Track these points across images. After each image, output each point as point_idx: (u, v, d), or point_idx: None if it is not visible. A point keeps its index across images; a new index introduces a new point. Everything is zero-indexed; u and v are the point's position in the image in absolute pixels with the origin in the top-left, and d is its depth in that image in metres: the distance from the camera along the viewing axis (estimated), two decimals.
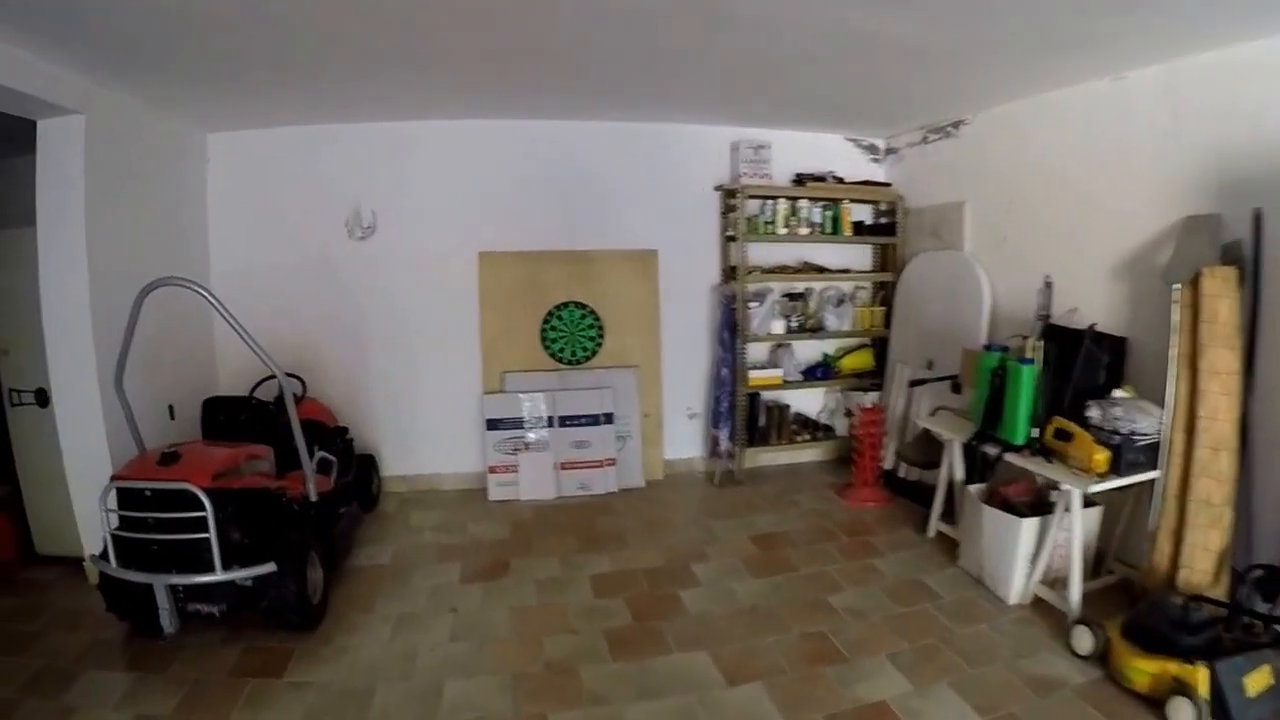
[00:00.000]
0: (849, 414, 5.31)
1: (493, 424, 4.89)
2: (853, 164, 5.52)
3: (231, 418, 4.14)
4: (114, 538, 3.04)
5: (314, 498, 3.57)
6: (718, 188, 5.23)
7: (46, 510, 4.18)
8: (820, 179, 5.27)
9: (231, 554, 3.05)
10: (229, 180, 4.88)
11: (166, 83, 3.76)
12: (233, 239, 4.89)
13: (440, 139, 4.92)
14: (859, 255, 5.55)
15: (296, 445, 3.47)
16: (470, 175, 4.97)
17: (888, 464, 4.95)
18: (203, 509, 2.93)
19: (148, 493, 3.00)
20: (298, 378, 4.47)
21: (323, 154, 4.89)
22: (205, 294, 3.18)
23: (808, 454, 5.43)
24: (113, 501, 3.08)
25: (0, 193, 4.16)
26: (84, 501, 3.59)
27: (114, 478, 3.12)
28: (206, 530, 2.94)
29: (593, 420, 4.91)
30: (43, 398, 3.95)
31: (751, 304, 5.04)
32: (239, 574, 3.01)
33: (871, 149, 5.60)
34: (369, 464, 4.83)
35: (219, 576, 2.97)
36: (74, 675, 2.99)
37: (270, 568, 3.04)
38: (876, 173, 5.58)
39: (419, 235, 4.97)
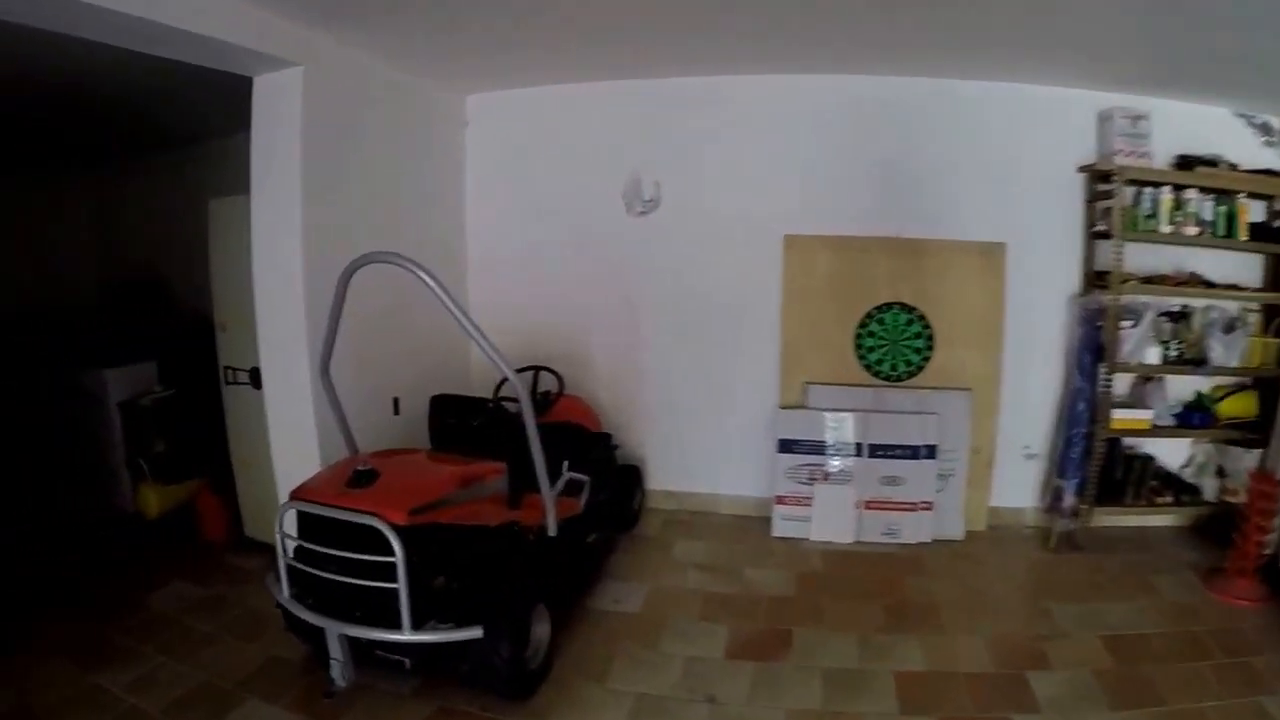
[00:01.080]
0: (1220, 474, 4.20)
1: (787, 445, 4.03)
2: (1239, 146, 4.26)
3: (462, 422, 3.40)
4: (288, 565, 2.60)
5: (552, 532, 2.89)
6: (1083, 168, 4.10)
7: (256, 494, 3.94)
8: (1210, 163, 4.05)
9: (430, 606, 2.48)
10: (487, 147, 4.33)
11: (408, 34, 3.28)
12: (491, 212, 4.34)
13: (739, 97, 4.07)
14: (1247, 267, 4.33)
15: (535, 468, 2.78)
16: (776, 141, 4.10)
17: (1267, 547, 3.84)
18: (392, 553, 2.33)
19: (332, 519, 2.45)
20: (554, 372, 3.78)
21: (598, 116, 4.22)
22: (420, 272, 2.48)
23: (1160, 518, 4.34)
24: (291, 522, 2.60)
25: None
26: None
27: (293, 495, 2.59)
28: (395, 579, 2.35)
29: (910, 452, 3.98)
30: (257, 378, 3.62)
31: (1124, 322, 3.95)
32: (435, 636, 2.43)
33: (1265, 129, 4.32)
34: (632, 477, 4.10)
35: (406, 637, 2.39)
36: (233, 701, 2.68)
37: (476, 633, 2.43)
38: (1270, 159, 4.31)
39: (710, 212, 4.16)
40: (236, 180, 3.48)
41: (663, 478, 4.36)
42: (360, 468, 2.59)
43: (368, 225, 3.55)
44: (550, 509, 2.89)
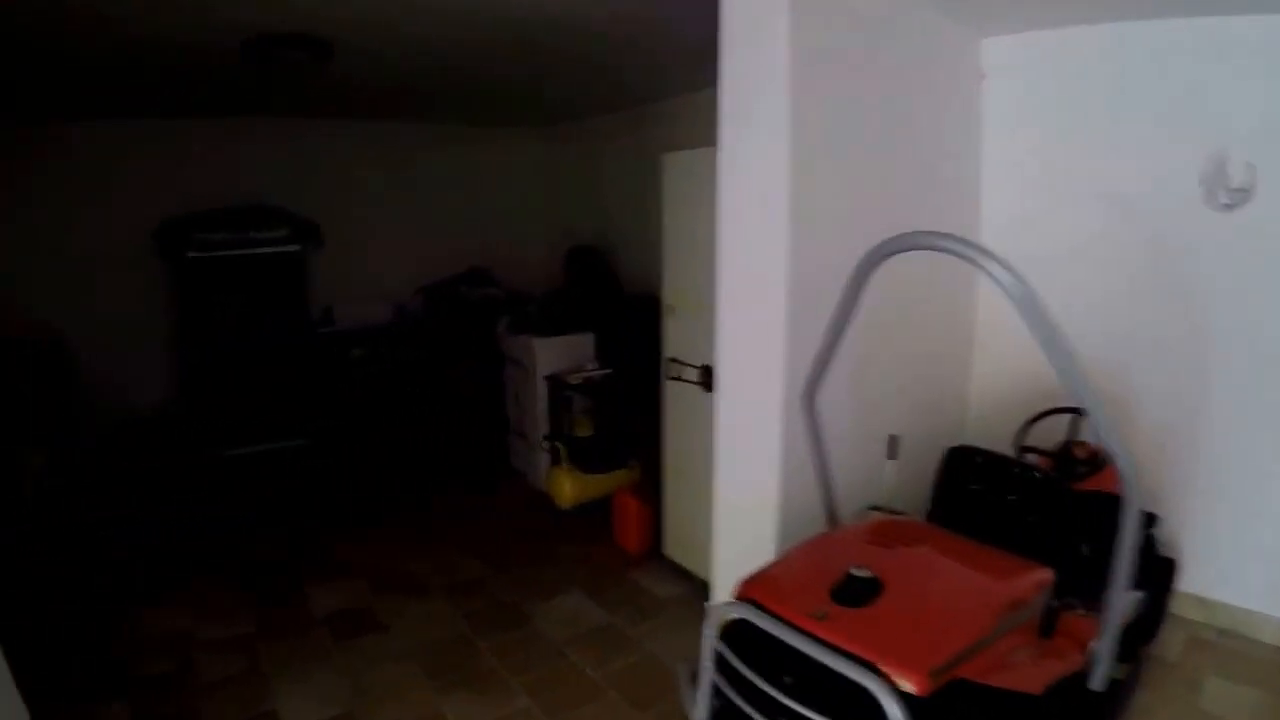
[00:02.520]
0: None
1: None
2: None
3: (991, 492, 2.42)
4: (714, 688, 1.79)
5: (1100, 686, 1.78)
6: None
7: (684, 509, 3.44)
8: None
9: None
10: (1009, 107, 3.45)
11: None
12: (1011, 195, 3.46)
13: None
14: None
15: (1113, 585, 1.70)
16: None
17: None
18: None
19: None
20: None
21: (1166, 67, 3.07)
22: (1000, 270, 1.52)
23: None
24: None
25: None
26: (726, 541, 2.77)
27: (745, 590, 1.84)
28: None
29: None
30: (709, 379, 3.02)
31: None
32: None
33: None
34: (1165, 573, 2.94)
35: None
36: None
37: None
38: None
39: None
40: (693, 141, 3.00)
41: (1194, 577, 3.14)
42: (857, 572, 1.76)
43: (862, 201, 2.68)
44: (1109, 648, 1.78)
